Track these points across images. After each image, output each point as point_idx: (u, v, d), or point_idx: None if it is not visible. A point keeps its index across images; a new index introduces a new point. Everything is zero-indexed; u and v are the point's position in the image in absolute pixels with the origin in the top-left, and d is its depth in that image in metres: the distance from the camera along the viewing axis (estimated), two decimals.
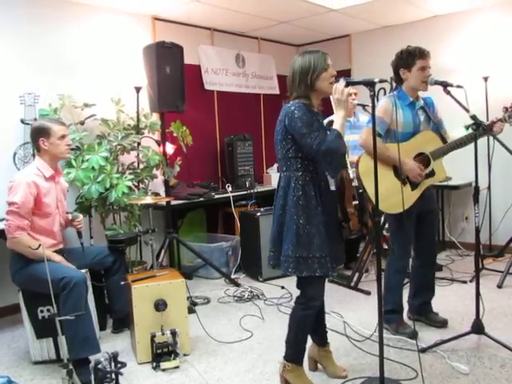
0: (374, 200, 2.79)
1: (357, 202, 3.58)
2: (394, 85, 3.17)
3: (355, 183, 2.81)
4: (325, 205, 2.38)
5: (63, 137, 2.99)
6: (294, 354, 2.51)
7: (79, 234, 3.19)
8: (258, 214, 4.54)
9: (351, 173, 2.64)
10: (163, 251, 4.24)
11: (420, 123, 3.05)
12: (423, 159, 3.00)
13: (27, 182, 2.83)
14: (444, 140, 3.05)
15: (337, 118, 2.31)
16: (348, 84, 2.29)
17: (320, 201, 2.35)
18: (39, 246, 2.37)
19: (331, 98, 2.36)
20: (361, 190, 2.93)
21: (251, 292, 4.13)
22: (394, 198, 2.81)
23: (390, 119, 2.96)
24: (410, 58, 2.96)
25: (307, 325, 2.48)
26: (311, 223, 2.32)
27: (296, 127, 2.27)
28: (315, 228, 2.32)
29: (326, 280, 2.64)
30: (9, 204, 2.82)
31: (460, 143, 2.93)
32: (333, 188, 2.48)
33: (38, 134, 2.95)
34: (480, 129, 2.72)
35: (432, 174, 3.03)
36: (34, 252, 2.70)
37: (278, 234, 2.39)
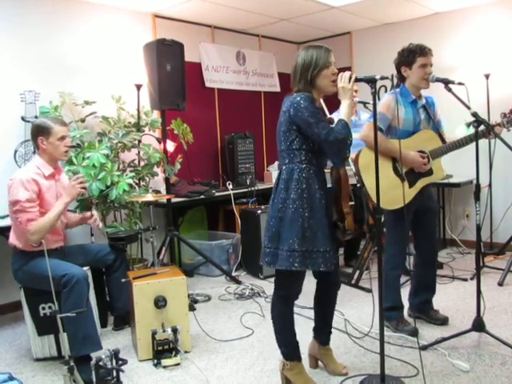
0: (372, 195, 2.80)
1: (353, 203, 3.56)
2: (396, 82, 3.17)
3: (352, 180, 2.79)
4: (327, 198, 2.38)
5: (63, 138, 2.94)
6: (287, 350, 2.50)
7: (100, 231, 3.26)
8: (259, 211, 4.54)
9: (348, 170, 2.63)
10: (164, 249, 4.25)
11: (420, 121, 3.05)
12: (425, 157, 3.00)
13: (27, 179, 2.80)
14: (443, 140, 3.06)
15: (342, 108, 2.30)
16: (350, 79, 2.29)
17: (324, 194, 2.35)
18: (40, 243, 2.38)
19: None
20: (359, 185, 2.93)
21: (252, 289, 4.14)
22: (390, 193, 2.81)
23: (392, 115, 2.96)
24: (410, 56, 2.97)
25: (289, 317, 2.46)
26: (315, 217, 2.30)
27: (303, 117, 2.24)
28: (319, 222, 2.30)
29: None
30: (13, 204, 2.79)
31: (459, 144, 2.93)
32: (329, 185, 2.48)
33: (38, 133, 2.91)
34: (480, 131, 2.73)
35: (430, 172, 3.03)
36: (54, 219, 2.82)
37: (278, 229, 2.32)
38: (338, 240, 2.44)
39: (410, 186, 2.99)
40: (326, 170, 2.48)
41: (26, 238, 2.82)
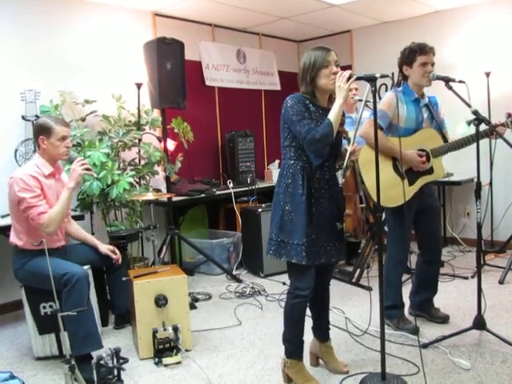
0: (371, 192, 2.79)
1: (363, 205, 3.54)
2: (396, 80, 3.17)
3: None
4: (318, 197, 2.40)
5: (64, 138, 2.92)
6: (290, 348, 2.52)
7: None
8: (260, 210, 4.54)
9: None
10: (165, 247, 4.25)
11: (423, 120, 3.05)
12: (423, 156, 3.00)
13: (26, 176, 2.80)
14: (445, 139, 3.06)
15: (333, 106, 2.32)
16: (349, 78, 2.29)
17: (308, 191, 2.37)
18: (41, 242, 2.37)
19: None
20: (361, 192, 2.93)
21: (253, 288, 4.14)
22: (390, 191, 2.81)
23: (393, 113, 2.96)
24: (411, 55, 2.98)
25: (297, 315, 2.47)
26: (296, 211, 2.37)
27: (288, 115, 2.36)
28: (299, 216, 2.36)
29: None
30: (18, 203, 2.79)
31: (461, 144, 2.93)
32: (341, 182, 2.50)
33: (39, 132, 2.90)
34: (482, 131, 2.73)
35: (431, 171, 3.03)
36: (64, 206, 2.83)
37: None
38: (336, 237, 2.46)
39: (410, 184, 2.99)
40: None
41: (40, 233, 2.81)
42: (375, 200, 2.35)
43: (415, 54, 2.96)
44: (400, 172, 2.96)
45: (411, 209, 3.00)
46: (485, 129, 2.79)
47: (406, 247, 3.12)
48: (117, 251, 3.29)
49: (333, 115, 2.29)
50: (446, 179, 4.80)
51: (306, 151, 2.37)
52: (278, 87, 6.22)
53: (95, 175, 3.17)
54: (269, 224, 2.51)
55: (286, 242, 2.38)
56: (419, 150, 3.00)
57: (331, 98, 2.43)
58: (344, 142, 2.53)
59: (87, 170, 2.94)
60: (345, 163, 2.37)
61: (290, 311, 2.49)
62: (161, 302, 2.90)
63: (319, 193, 2.41)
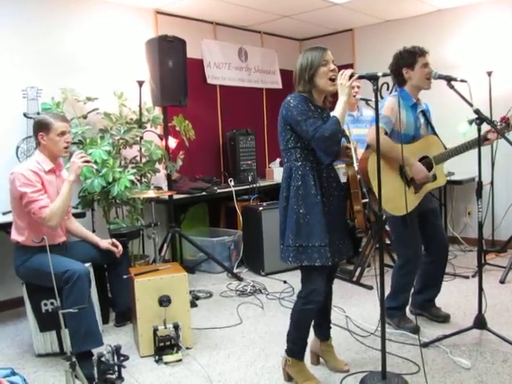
0: (382, 201, 2.78)
1: (367, 200, 3.52)
2: (394, 83, 3.15)
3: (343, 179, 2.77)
4: (328, 196, 2.39)
5: (63, 134, 2.93)
6: (294, 348, 2.51)
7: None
8: (261, 208, 4.54)
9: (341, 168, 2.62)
10: (166, 245, 4.25)
11: (420, 126, 3.04)
12: (425, 163, 2.98)
13: (27, 171, 2.81)
14: (444, 145, 3.05)
15: (338, 104, 2.32)
16: (351, 77, 2.29)
17: (320, 191, 2.36)
18: (42, 239, 2.38)
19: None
20: (365, 190, 2.91)
21: (253, 286, 4.14)
22: (399, 199, 2.76)
23: (396, 118, 2.94)
24: (411, 57, 2.95)
25: (307, 319, 2.47)
26: (311, 213, 2.33)
27: (292, 115, 2.31)
28: (315, 217, 2.32)
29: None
30: (20, 197, 2.80)
31: (462, 149, 2.93)
32: (344, 180, 2.49)
33: (39, 128, 2.92)
34: (482, 136, 2.74)
35: (433, 178, 3.02)
36: (65, 199, 2.84)
37: (283, 225, 2.41)
38: (346, 234, 2.46)
39: (416, 191, 2.97)
40: (340, 166, 2.46)
41: (42, 229, 2.83)
42: (386, 209, 2.33)
43: (415, 55, 2.94)
44: (405, 179, 2.92)
45: (413, 215, 2.97)
46: (484, 134, 2.80)
47: (416, 255, 3.03)
48: (117, 243, 3.28)
49: (338, 112, 2.28)
50: (448, 178, 4.78)
51: (312, 151, 2.35)
52: (279, 86, 6.22)
53: (95, 167, 3.17)
54: (270, 222, 2.51)
55: (305, 245, 2.32)
56: (422, 158, 2.98)
57: (325, 100, 2.44)
58: (342, 139, 2.52)
59: (86, 162, 2.95)
60: (354, 161, 2.37)
61: (301, 316, 2.45)
62: (164, 303, 2.90)
63: (328, 191, 2.40)
